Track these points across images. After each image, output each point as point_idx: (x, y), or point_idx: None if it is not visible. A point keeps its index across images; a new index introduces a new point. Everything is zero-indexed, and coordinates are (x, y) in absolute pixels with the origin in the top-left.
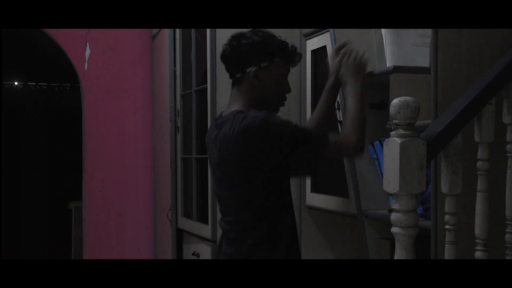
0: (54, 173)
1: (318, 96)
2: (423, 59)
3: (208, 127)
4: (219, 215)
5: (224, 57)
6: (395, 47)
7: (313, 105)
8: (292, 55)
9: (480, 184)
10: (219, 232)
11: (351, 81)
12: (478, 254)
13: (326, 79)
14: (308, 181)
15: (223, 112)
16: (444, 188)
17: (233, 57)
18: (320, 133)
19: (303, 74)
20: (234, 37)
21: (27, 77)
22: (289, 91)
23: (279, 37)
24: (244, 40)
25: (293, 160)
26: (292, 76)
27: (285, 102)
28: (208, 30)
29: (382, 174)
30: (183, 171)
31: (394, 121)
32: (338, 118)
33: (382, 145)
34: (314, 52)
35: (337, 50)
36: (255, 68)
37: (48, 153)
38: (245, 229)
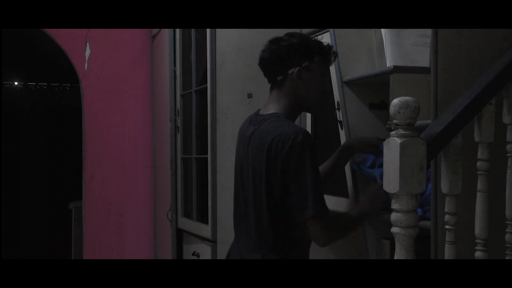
0: (54, 173)
1: None
2: (423, 59)
3: (242, 122)
4: (219, 215)
5: (263, 62)
6: (395, 47)
7: None
8: (329, 54)
9: (480, 184)
10: (219, 232)
11: (368, 205)
12: (478, 254)
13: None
14: None
15: (260, 110)
16: (444, 188)
17: (273, 61)
18: (318, 203)
19: None
20: (272, 42)
21: (27, 77)
22: (327, 89)
23: (314, 38)
24: (283, 42)
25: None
26: None
27: (323, 100)
28: (208, 30)
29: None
30: (183, 171)
31: (394, 121)
32: (338, 118)
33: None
34: None
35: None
36: (297, 68)
37: (48, 153)
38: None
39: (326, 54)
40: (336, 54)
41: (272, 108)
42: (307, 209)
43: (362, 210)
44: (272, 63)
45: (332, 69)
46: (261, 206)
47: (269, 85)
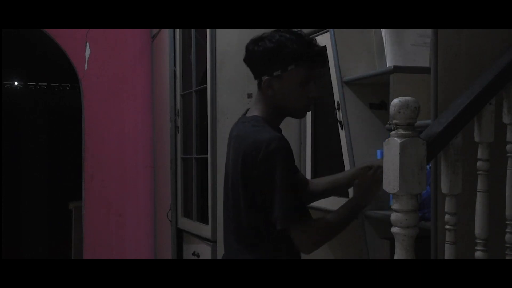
0: (54, 173)
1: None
2: (423, 59)
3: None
4: (219, 215)
5: (244, 62)
6: (395, 47)
7: (313, 105)
8: (312, 61)
9: (480, 184)
10: (219, 232)
11: (361, 197)
12: (478, 254)
13: (325, 79)
14: None
15: (248, 109)
16: (444, 188)
17: (249, 63)
18: (296, 211)
19: None
20: (252, 41)
21: (27, 77)
22: (314, 96)
23: (305, 38)
24: (257, 46)
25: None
26: None
27: (310, 107)
28: (208, 30)
29: None
30: (183, 171)
31: (394, 121)
32: (338, 118)
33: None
34: None
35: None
36: (267, 77)
37: (48, 153)
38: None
39: (306, 62)
40: (324, 60)
41: (255, 110)
42: (277, 220)
43: (355, 202)
44: (249, 65)
45: (332, 69)
46: (240, 210)
47: None
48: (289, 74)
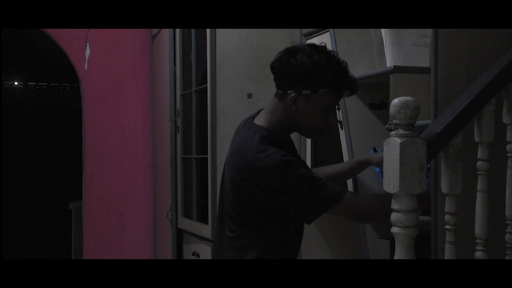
0: (54, 173)
1: None
2: (423, 59)
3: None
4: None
5: (272, 68)
6: (395, 47)
7: None
8: (344, 89)
9: (480, 184)
10: None
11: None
12: (478, 254)
13: None
14: None
15: (261, 110)
16: (444, 188)
17: (278, 73)
18: (334, 190)
19: None
20: (287, 51)
21: (27, 77)
22: (329, 123)
23: (342, 64)
24: (293, 59)
25: (294, 208)
26: None
27: (324, 130)
28: (208, 30)
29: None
30: (183, 171)
31: (394, 121)
32: (338, 118)
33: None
34: None
35: None
36: (294, 94)
37: (48, 153)
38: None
39: (339, 89)
40: (356, 89)
41: (263, 119)
42: (331, 198)
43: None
44: (277, 74)
45: None
46: (223, 214)
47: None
48: (318, 96)
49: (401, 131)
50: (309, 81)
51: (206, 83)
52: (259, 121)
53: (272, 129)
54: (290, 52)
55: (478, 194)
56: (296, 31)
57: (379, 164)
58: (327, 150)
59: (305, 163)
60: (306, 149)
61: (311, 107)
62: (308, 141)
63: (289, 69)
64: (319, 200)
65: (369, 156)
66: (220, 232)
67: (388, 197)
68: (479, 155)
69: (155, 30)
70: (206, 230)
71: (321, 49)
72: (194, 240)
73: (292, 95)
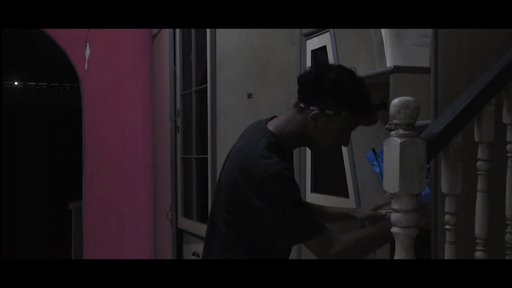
0: (54, 173)
1: None
2: (423, 59)
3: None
4: None
5: (299, 81)
6: (395, 47)
7: None
8: (366, 117)
9: (480, 184)
10: None
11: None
12: (478, 254)
13: None
14: (308, 181)
15: (275, 117)
16: (444, 188)
17: (305, 87)
18: (316, 224)
19: None
20: (318, 68)
21: (27, 77)
22: (344, 145)
23: (368, 91)
24: (324, 77)
25: (274, 224)
26: (292, 76)
27: (332, 151)
28: (208, 30)
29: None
30: (183, 171)
31: (394, 121)
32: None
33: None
34: (314, 52)
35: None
36: (317, 111)
37: (48, 153)
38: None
39: (361, 115)
40: (376, 120)
41: (276, 126)
42: (296, 235)
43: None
44: (303, 86)
45: None
46: (214, 217)
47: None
48: (340, 118)
49: (401, 131)
50: (335, 102)
51: (206, 83)
52: (271, 126)
53: (282, 137)
54: (321, 69)
55: (478, 194)
56: (296, 31)
57: (362, 219)
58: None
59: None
60: (306, 149)
61: (330, 127)
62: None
63: (317, 86)
64: (300, 226)
65: (355, 212)
66: (209, 236)
67: (361, 239)
68: (479, 155)
69: (155, 30)
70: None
71: (351, 72)
72: (194, 240)
73: (314, 112)
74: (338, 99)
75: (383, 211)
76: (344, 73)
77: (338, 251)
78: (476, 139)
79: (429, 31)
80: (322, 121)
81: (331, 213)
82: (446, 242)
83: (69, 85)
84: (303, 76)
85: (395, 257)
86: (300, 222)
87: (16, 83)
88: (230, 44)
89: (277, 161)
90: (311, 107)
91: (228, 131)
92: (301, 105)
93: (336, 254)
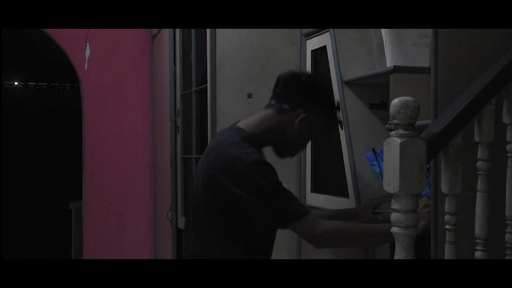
0: (54, 173)
1: None
2: (423, 59)
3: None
4: None
5: (284, 82)
6: (395, 47)
7: None
8: (335, 119)
9: (480, 184)
10: None
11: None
12: (478, 254)
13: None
14: (308, 181)
15: (239, 121)
16: (444, 188)
17: (291, 89)
18: (298, 208)
19: None
20: (310, 76)
21: (27, 77)
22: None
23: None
24: (309, 82)
25: (257, 210)
26: None
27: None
28: (208, 30)
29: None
30: (183, 171)
31: (394, 121)
32: (338, 118)
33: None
34: (314, 52)
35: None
36: (305, 115)
37: (48, 153)
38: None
39: (333, 119)
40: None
41: (247, 125)
42: (282, 216)
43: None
44: (288, 88)
45: (332, 69)
46: (198, 215)
47: (270, 98)
48: (318, 122)
49: (401, 131)
50: (318, 106)
51: (206, 83)
52: (242, 125)
53: (253, 135)
54: (301, 75)
55: (478, 194)
56: (296, 31)
57: (367, 215)
58: (327, 150)
59: None
60: (306, 149)
61: (310, 130)
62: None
63: (313, 90)
64: (281, 210)
65: (356, 212)
66: (197, 238)
67: (350, 228)
68: (479, 155)
69: (155, 30)
70: None
71: (322, 77)
72: None
73: (302, 115)
74: (320, 103)
75: (380, 218)
76: (319, 79)
77: (324, 231)
78: (476, 139)
79: (429, 31)
80: (305, 125)
81: (330, 216)
82: (446, 242)
83: (69, 85)
84: (288, 80)
85: (395, 257)
86: (286, 205)
87: (16, 83)
88: (230, 44)
89: (254, 151)
90: (298, 110)
91: None
92: (284, 106)
93: (322, 235)
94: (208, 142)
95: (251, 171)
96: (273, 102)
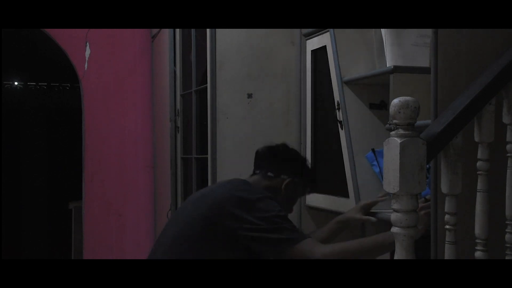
0: (54, 173)
1: (318, 96)
2: (423, 59)
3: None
4: None
5: (261, 155)
6: (395, 47)
7: (313, 105)
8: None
9: (480, 184)
10: None
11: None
12: (478, 254)
13: (325, 79)
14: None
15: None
16: (444, 188)
17: (271, 158)
18: (301, 233)
19: (303, 74)
20: (284, 145)
21: (27, 77)
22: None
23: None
24: (288, 152)
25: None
26: (292, 76)
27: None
28: (208, 30)
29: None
30: (183, 171)
31: (394, 121)
32: (338, 118)
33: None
34: (314, 52)
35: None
36: (289, 179)
37: (48, 153)
38: None
39: (311, 182)
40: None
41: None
42: (281, 244)
43: (387, 237)
44: (269, 159)
45: (332, 69)
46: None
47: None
48: (300, 184)
49: (401, 131)
50: (298, 170)
51: (206, 83)
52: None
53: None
54: (277, 147)
55: (478, 194)
56: (296, 31)
57: (355, 218)
58: (327, 150)
59: None
60: (306, 149)
61: (295, 192)
62: (308, 141)
63: (288, 158)
64: (288, 234)
65: (348, 217)
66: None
67: (347, 249)
68: (479, 155)
69: (155, 30)
70: None
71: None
72: None
73: (288, 180)
74: (300, 166)
75: (373, 218)
76: (291, 147)
77: (323, 255)
78: (476, 139)
79: (429, 31)
80: (291, 187)
81: (327, 236)
82: (446, 242)
83: (69, 85)
84: (266, 153)
85: (395, 257)
86: (289, 230)
87: (16, 83)
88: (230, 44)
89: (262, 189)
90: (282, 176)
91: (228, 131)
92: (269, 174)
93: (324, 256)
94: (208, 142)
95: (262, 201)
96: (257, 171)
